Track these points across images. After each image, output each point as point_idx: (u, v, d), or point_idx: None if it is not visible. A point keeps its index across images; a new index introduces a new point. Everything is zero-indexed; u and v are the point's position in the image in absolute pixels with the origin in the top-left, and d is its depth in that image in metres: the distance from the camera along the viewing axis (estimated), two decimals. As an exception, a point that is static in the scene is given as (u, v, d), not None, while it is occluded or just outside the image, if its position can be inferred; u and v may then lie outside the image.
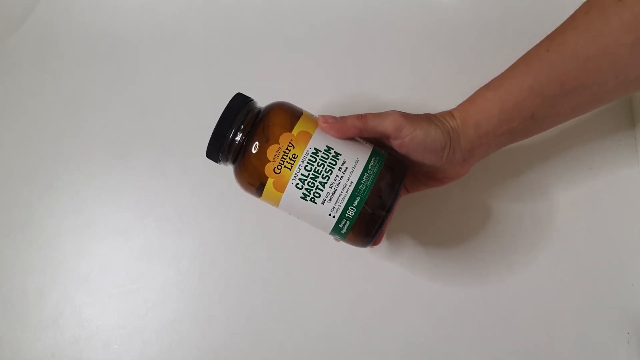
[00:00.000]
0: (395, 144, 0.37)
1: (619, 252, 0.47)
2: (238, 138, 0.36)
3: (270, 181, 0.35)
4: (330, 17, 0.55)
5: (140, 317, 0.49)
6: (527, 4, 0.53)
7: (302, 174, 0.35)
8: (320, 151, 0.35)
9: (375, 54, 0.53)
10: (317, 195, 0.35)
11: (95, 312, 0.49)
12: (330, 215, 0.35)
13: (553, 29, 0.37)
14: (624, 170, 0.48)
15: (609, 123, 0.49)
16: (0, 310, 0.50)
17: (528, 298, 0.47)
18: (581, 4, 0.35)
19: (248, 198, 0.49)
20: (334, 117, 0.36)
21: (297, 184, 0.35)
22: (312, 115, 0.38)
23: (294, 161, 0.35)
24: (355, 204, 0.35)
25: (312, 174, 0.35)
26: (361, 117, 0.36)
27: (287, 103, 0.38)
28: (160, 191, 0.51)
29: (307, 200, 0.35)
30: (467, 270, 0.48)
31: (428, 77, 0.52)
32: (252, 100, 0.38)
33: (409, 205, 0.48)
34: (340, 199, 0.35)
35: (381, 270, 0.48)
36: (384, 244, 0.49)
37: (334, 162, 0.35)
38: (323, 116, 0.36)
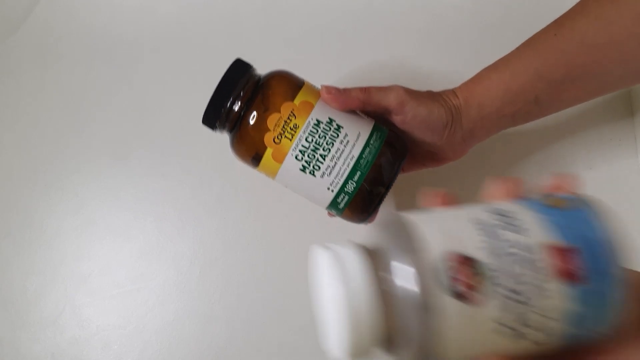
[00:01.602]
0: (397, 119, 0.36)
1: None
2: (237, 106, 0.35)
3: (269, 151, 0.34)
4: (331, 16, 0.54)
5: (140, 317, 0.49)
6: (528, 3, 0.53)
7: (302, 145, 0.34)
8: (322, 123, 0.34)
9: (375, 53, 0.53)
10: (317, 167, 0.34)
11: (95, 312, 0.49)
12: (329, 189, 0.34)
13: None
14: (624, 169, 0.48)
15: (608, 122, 0.49)
16: (0, 310, 0.50)
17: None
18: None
19: (248, 198, 0.49)
20: (337, 89, 0.35)
21: (297, 155, 0.34)
22: (314, 86, 0.37)
23: (295, 132, 0.34)
24: (356, 178, 0.34)
25: (313, 146, 0.34)
26: (365, 90, 0.36)
27: (288, 71, 0.37)
28: (160, 191, 0.51)
29: (306, 173, 0.34)
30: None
31: (429, 76, 0.52)
32: (252, 67, 0.37)
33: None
34: (341, 172, 0.34)
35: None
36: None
37: (336, 135, 0.34)
38: (326, 87, 0.35)
